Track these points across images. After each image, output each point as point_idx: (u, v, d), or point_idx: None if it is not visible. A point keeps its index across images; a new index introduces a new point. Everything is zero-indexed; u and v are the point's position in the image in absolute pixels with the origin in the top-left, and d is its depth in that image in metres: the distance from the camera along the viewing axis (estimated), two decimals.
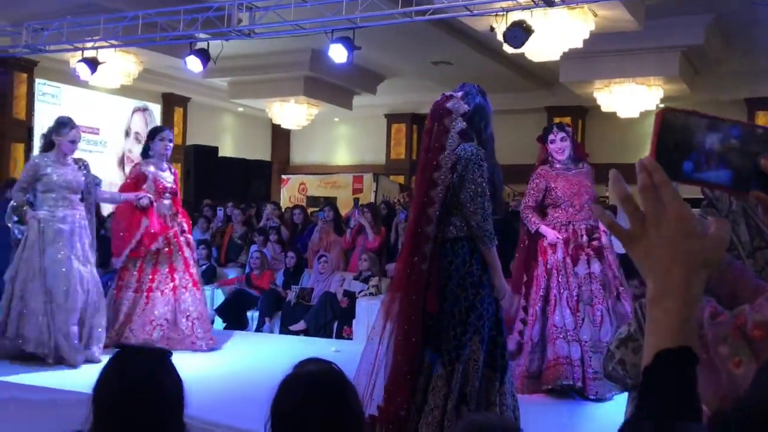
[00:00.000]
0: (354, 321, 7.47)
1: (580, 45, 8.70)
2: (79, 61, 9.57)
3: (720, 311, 1.04)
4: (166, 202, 5.87)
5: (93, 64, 9.39)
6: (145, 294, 5.73)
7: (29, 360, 5.02)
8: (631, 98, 11.30)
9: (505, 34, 7.07)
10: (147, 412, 1.74)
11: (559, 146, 5.36)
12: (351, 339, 7.32)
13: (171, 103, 15.23)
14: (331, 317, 7.70)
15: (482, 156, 3.63)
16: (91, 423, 1.76)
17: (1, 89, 12.07)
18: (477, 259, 3.61)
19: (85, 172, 5.34)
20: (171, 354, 1.93)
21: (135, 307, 5.71)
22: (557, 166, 5.36)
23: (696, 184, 0.76)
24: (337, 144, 17.34)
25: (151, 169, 5.87)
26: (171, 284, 5.78)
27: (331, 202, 13.98)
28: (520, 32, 6.97)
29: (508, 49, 7.99)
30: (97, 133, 14.02)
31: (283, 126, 15.18)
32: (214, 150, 13.96)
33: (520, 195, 8.36)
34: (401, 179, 15.36)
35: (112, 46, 9.43)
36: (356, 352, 3.84)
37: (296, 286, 8.39)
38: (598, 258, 5.16)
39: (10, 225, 5.28)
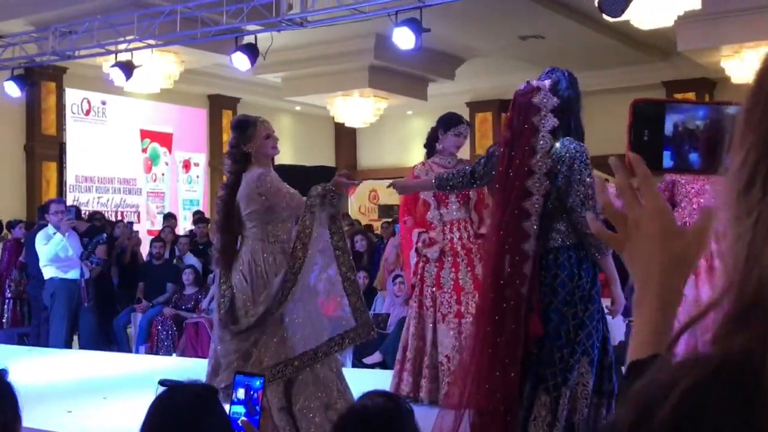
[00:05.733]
0: None
1: (698, 6, 8.65)
2: (113, 65, 10.07)
3: None
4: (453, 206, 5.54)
5: (128, 69, 9.88)
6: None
7: None
8: None
9: (600, 2, 7.13)
10: None
11: None
12: None
13: (218, 105, 15.78)
14: None
15: (587, 152, 3.75)
16: None
17: (28, 103, 12.78)
18: (587, 269, 3.75)
19: None
20: (218, 392, 2.19)
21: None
22: None
23: (676, 173, 0.90)
24: (411, 141, 17.52)
25: (434, 172, 5.36)
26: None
27: None
28: None
29: (609, 17, 8.04)
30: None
31: (348, 124, 15.50)
32: None
33: None
34: None
35: (149, 46, 9.90)
36: None
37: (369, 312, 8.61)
38: None
39: None
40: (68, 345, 9.07)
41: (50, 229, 8.91)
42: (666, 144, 0.91)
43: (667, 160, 0.91)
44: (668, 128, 0.90)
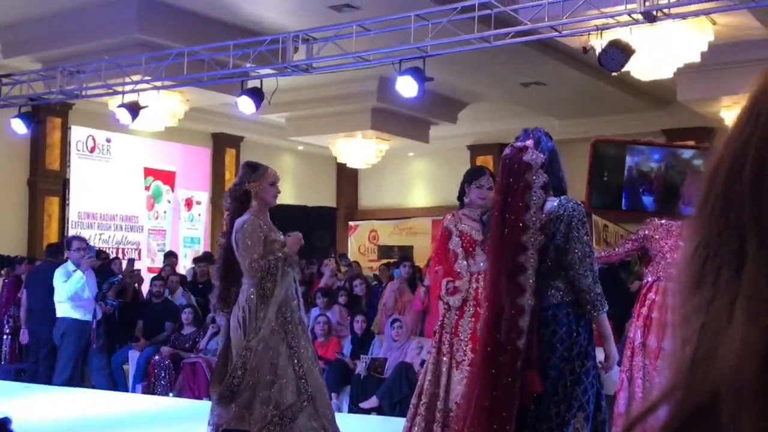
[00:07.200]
0: None
1: (697, 59, 8.82)
2: (120, 106, 10.21)
3: None
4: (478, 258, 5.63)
5: (134, 109, 10.02)
6: None
7: None
8: None
9: (600, 57, 7.25)
10: None
11: None
12: None
13: (222, 144, 15.93)
14: (407, 392, 7.88)
15: (584, 211, 3.85)
16: None
17: (33, 138, 12.91)
18: (584, 326, 3.83)
19: None
20: None
21: None
22: None
23: (632, 214, 0.94)
24: (412, 183, 17.68)
25: (463, 224, 5.60)
26: None
27: (407, 252, 14.28)
28: (617, 53, 7.13)
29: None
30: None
31: (350, 165, 15.62)
32: None
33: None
34: None
35: (155, 88, 10.05)
36: None
37: (366, 356, 8.61)
38: None
39: None
40: (72, 385, 9.01)
41: (70, 265, 8.84)
42: (623, 185, 0.92)
43: (624, 201, 0.92)
44: (625, 169, 0.91)
